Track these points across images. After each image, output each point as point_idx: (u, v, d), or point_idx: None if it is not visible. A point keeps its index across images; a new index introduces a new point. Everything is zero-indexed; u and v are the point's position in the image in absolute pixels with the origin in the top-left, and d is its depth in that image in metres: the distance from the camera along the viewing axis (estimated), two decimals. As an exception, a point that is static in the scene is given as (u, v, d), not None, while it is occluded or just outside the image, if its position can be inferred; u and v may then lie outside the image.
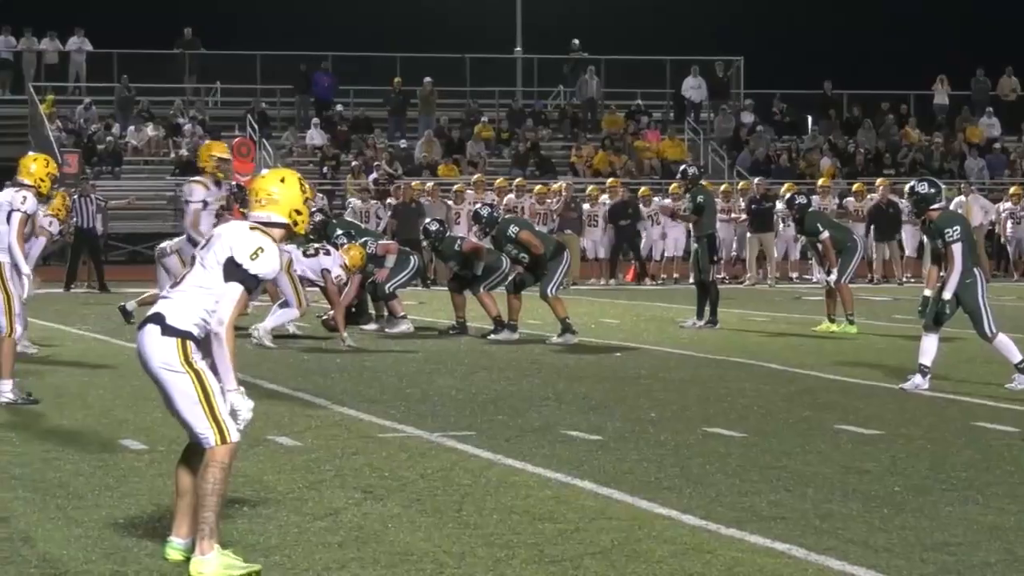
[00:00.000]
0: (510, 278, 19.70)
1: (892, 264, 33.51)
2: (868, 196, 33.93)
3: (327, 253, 19.30)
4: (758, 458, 10.61)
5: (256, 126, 40.22)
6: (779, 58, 48.00)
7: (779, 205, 31.01)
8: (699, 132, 44.03)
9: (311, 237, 20.21)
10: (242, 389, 7.43)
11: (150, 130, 40.24)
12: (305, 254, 19.18)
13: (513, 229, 19.35)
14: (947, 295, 14.09)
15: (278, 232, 7.61)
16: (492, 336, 19.40)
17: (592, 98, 44.62)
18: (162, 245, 19.65)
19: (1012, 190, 35.69)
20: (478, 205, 23.83)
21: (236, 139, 35.00)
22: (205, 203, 17.38)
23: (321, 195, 32.21)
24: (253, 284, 7.49)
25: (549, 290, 19.12)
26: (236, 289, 7.42)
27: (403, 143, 40.77)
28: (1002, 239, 35.26)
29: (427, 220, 22.74)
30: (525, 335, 19.53)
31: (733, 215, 33.54)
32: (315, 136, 41.01)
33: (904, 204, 29.64)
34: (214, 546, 7.33)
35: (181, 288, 7.53)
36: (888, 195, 33.20)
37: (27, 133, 39.79)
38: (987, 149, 44.10)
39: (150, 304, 9.77)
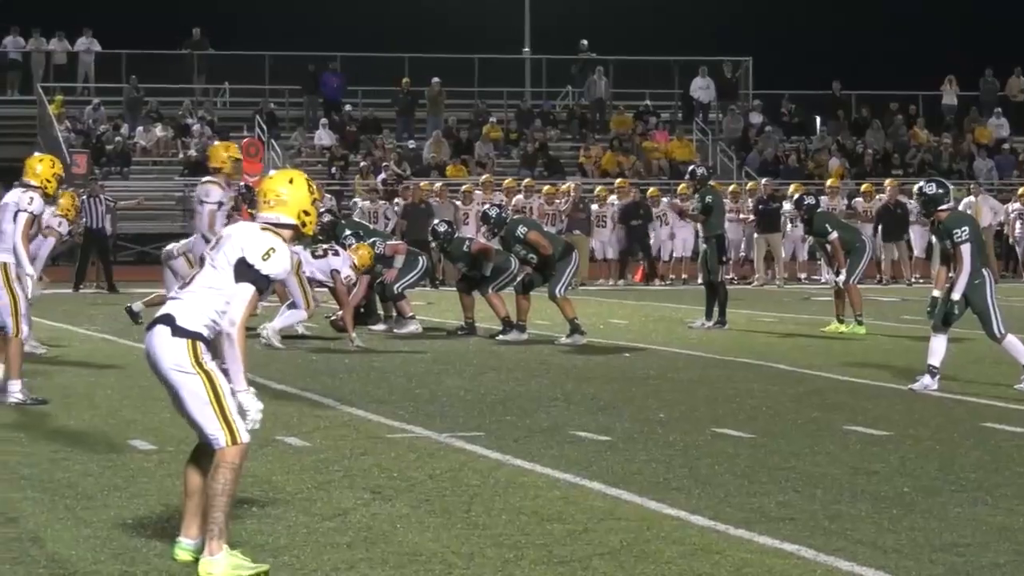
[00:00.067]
0: (519, 279, 19.70)
1: (901, 265, 33.48)
2: (877, 197, 33.93)
3: (336, 254, 19.30)
4: (767, 459, 10.60)
5: (264, 126, 40.18)
6: (788, 59, 47.92)
7: (787, 206, 30.99)
8: (707, 133, 43.97)
9: (319, 238, 20.21)
10: (252, 390, 7.43)
11: (159, 131, 40.23)
12: (314, 255, 19.18)
13: (522, 230, 19.35)
14: (956, 296, 14.08)
15: (287, 233, 7.61)
16: (501, 337, 19.40)
17: (600, 99, 44.57)
18: (168, 247, 19.66)
19: (1021, 191, 35.63)
20: (487, 206, 23.80)
21: (244, 140, 35.03)
22: (220, 204, 17.39)
23: (330, 196, 32.20)
24: (265, 285, 7.49)
25: (558, 291, 19.11)
26: (248, 290, 7.42)
27: (411, 144, 40.71)
28: (1011, 240, 35.23)
29: (436, 221, 22.72)
30: (534, 336, 19.53)
31: (741, 216, 33.55)
32: (323, 136, 40.97)
33: (912, 205, 29.64)
34: (223, 546, 7.33)
35: (191, 289, 7.53)
36: (896, 196, 33.19)
37: (36, 133, 39.77)
38: (996, 150, 44.01)
39: (157, 305, 9.76)
